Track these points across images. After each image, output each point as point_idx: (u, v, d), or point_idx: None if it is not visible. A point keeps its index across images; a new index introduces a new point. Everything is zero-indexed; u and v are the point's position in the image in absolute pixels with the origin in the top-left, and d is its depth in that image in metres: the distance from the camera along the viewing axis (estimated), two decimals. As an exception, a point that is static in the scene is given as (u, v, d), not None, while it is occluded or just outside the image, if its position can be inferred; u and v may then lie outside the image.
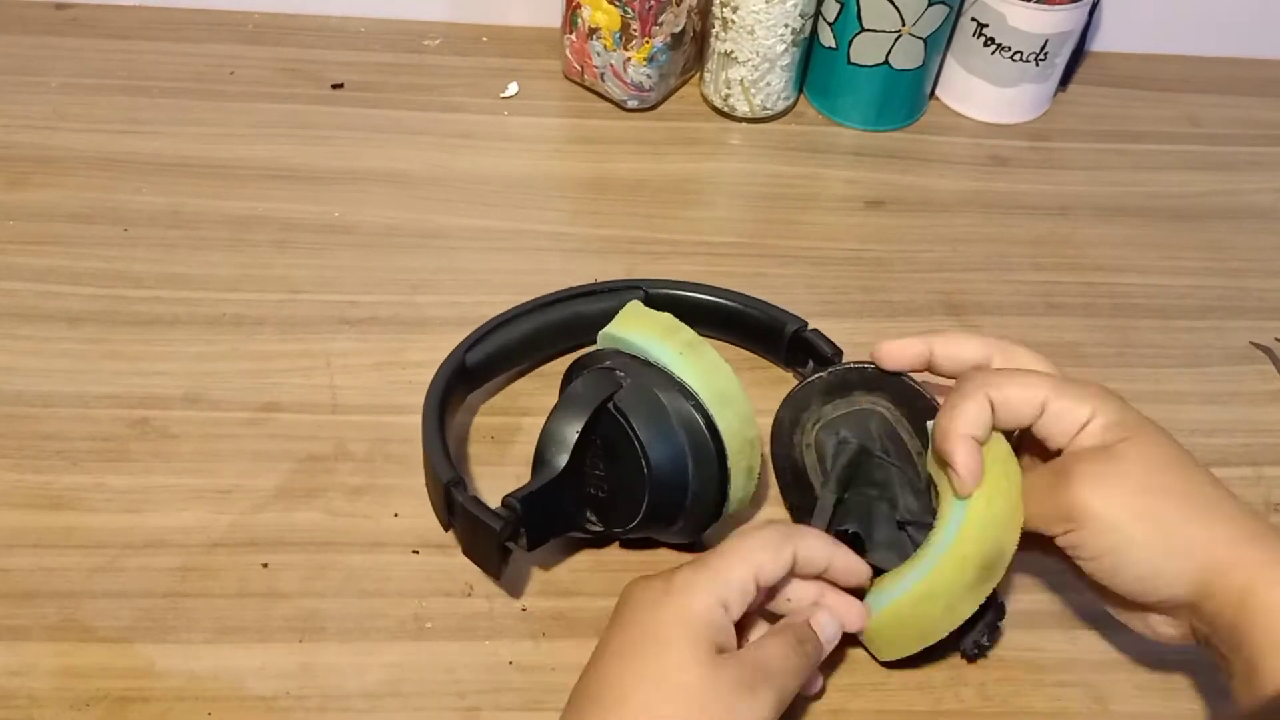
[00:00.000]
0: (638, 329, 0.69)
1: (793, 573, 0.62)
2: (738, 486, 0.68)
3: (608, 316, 0.72)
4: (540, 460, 0.66)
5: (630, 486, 0.67)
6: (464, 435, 0.79)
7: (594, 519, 0.70)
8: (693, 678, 0.56)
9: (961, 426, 0.62)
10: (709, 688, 0.56)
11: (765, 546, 0.61)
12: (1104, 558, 0.59)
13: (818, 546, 0.63)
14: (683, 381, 0.66)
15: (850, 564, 0.64)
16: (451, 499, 0.66)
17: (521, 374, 0.83)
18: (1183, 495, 0.59)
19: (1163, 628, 0.61)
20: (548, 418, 0.66)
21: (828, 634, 0.63)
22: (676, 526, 0.69)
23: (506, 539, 0.65)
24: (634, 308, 0.71)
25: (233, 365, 0.81)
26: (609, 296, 0.81)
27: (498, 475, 0.76)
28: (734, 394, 0.67)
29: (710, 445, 0.66)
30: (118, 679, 0.65)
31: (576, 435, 0.65)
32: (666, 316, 0.69)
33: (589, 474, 0.68)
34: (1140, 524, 0.58)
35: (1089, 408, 0.62)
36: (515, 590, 0.71)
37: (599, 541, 0.73)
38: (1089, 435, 0.61)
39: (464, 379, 0.76)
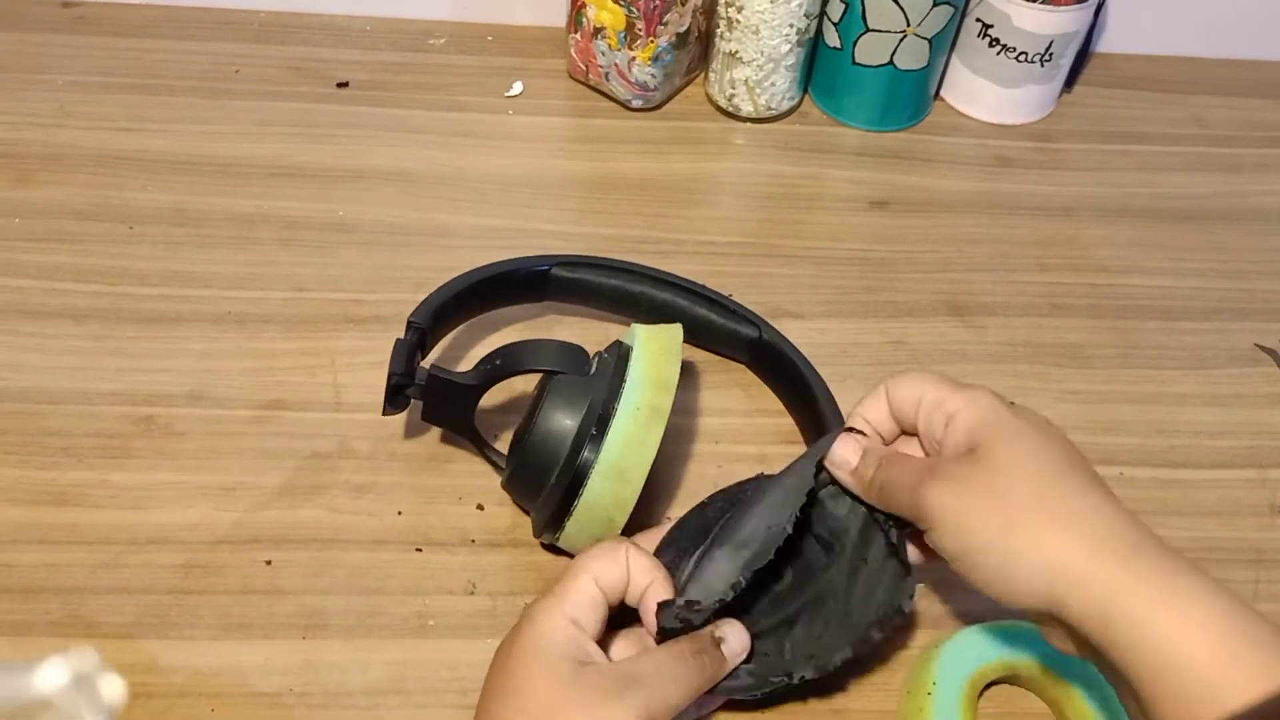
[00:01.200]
0: (648, 354, 0.69)
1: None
2: (590, 502, 0.67)
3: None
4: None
5: (519, 444, 0.69)
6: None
7: (498, 453, 0.75)
8: (553, 694, 0.56)
9: (857, 412, 0.66)
10: (569, 697, 0.56)
11: (600, 555, 0.61)
12: (958, 560, 0.57)
13: (641, 557, 0.62)
14: (613, 417, 0.66)
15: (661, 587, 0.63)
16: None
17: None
18: (1042, 502, 0.55)
19: (1054, 638, 0.58)
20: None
21: (732, 647, 0.61)
22: (536, 504, 0.69)
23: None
24: (669, 337, 0.70)
25: (237, 363, 0.82)
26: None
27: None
28: (637, 464, 0.66)
29: (580, 458, 0.66)
30: (121, 675, 0.65)
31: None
32: (674, 373, 0.68)
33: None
34: (989, 532, 0.56)
35: (957, 404, 0.61)
36: (517, 589, 0.71)
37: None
38: (956, 431, 0.60)
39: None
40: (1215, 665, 0.49)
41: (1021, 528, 0.55)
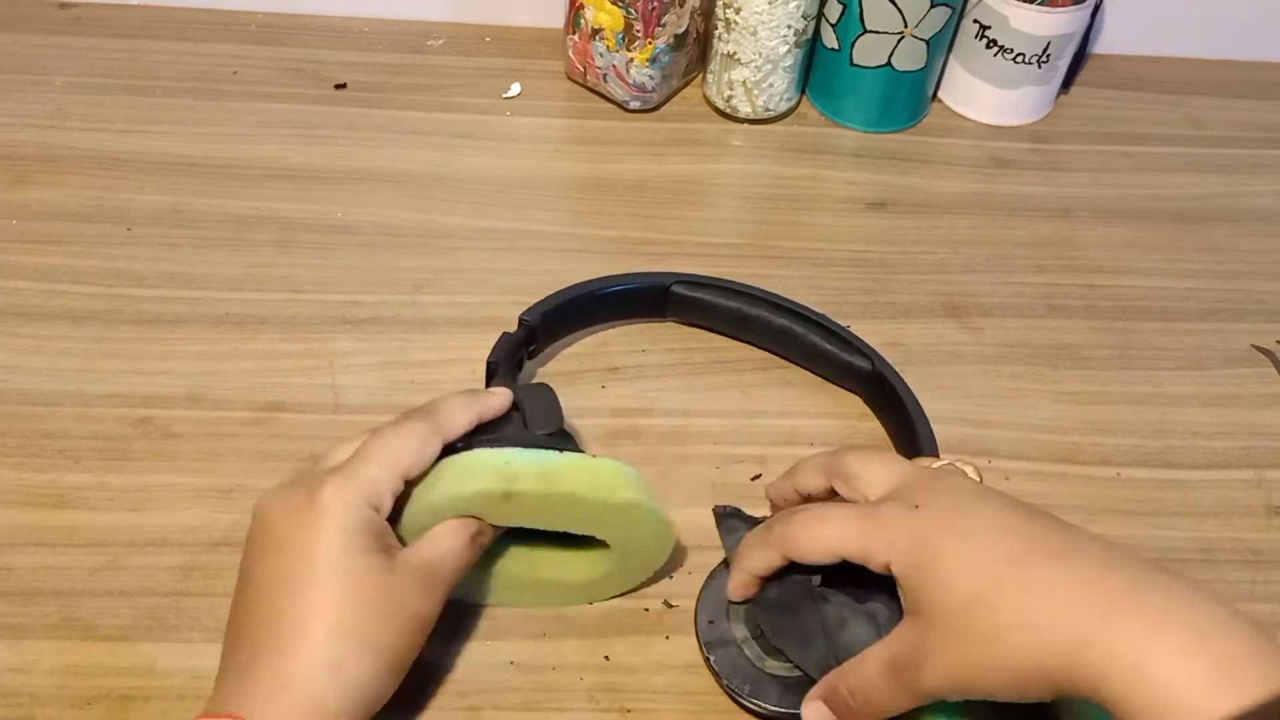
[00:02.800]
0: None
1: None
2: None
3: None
4: None
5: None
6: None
7: None
8: (370, 589, 0.57)
9: (747, 567, 0.64)
10: (389, 591, 0.57)
11: (407, 446, 0.61)
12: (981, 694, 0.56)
13: (457, 412, 0.63)
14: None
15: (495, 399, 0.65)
16: None
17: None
18: (1005, 632, 0.53)
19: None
20: None
21: None
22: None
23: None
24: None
25: (235, 365, 0.82)
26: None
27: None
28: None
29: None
30: (119, 678, 0.66)
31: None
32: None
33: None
34: (986, 676, 0.54)
35: (883, 556, 0.57)
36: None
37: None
38: (901, 580, 0.57)
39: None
40: (1199, 691, 0.49)
41: (1003, 650, 0.53)
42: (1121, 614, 0.51)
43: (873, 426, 0.82)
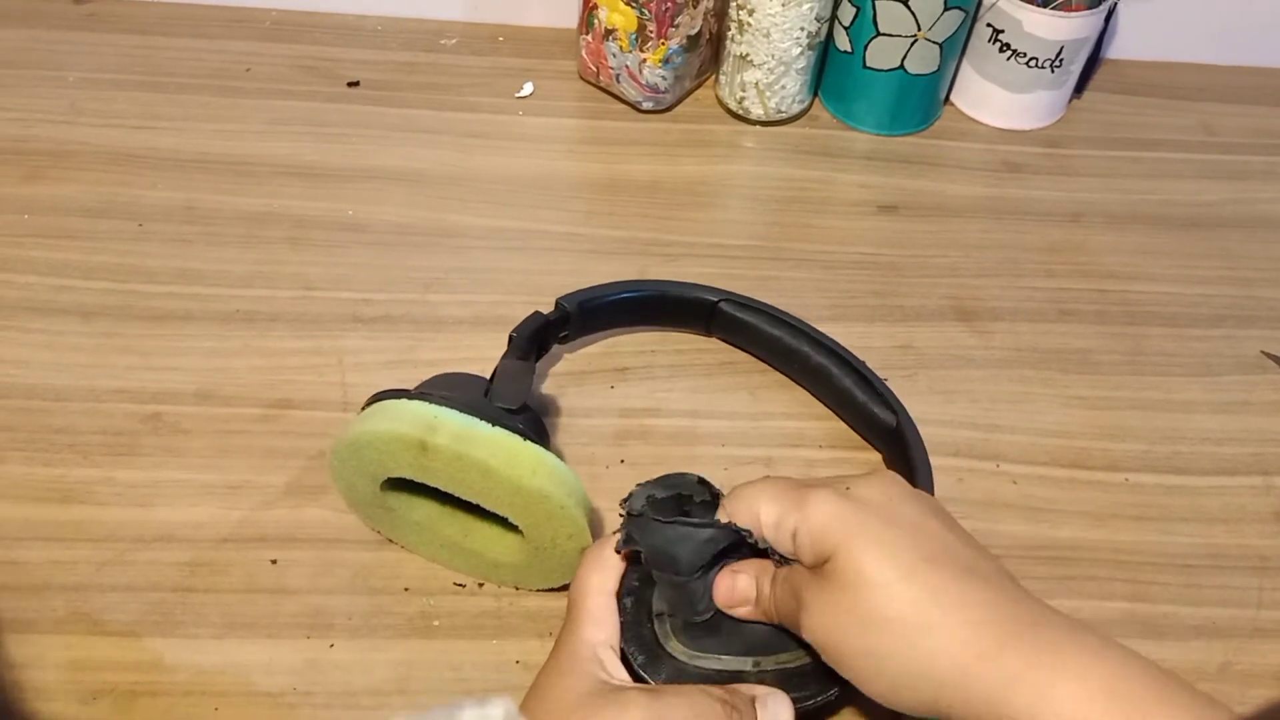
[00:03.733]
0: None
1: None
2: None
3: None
4: None
5: None
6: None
7: None
8: (581, 704, 0.56)
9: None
10: (592, 705, 0.56)
11: (593, 566, 0.63)
12: (846, 675, 0.57)
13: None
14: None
15: None
16: None
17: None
18: (897, 622, 0.54)
19: None
20: None
21: (770, 712, 0.59)
22: None
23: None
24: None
25: (245, 361, 0.82)
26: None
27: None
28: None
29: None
30: (125, 673, 0.66)
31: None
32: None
33: None
34: (861, 652, 0.55)
35: (793, 519, 0.58)
36: (523, 589, 0.71)
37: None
38: (803, 548, 0.58)
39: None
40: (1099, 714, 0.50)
41: (889, 640, 0.54)
42: (1024, 640, 0.52)
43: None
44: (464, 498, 0.65)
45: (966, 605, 0.53)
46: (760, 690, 0.60)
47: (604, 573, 0.63)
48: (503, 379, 0.69)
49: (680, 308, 0.85)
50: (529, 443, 0.64)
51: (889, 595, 0.54)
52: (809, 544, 0.57)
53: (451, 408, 0.64)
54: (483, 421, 0.64)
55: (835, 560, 0.56)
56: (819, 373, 0.83)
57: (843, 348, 0.83)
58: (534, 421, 0.69)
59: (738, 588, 0.62)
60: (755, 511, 0.60)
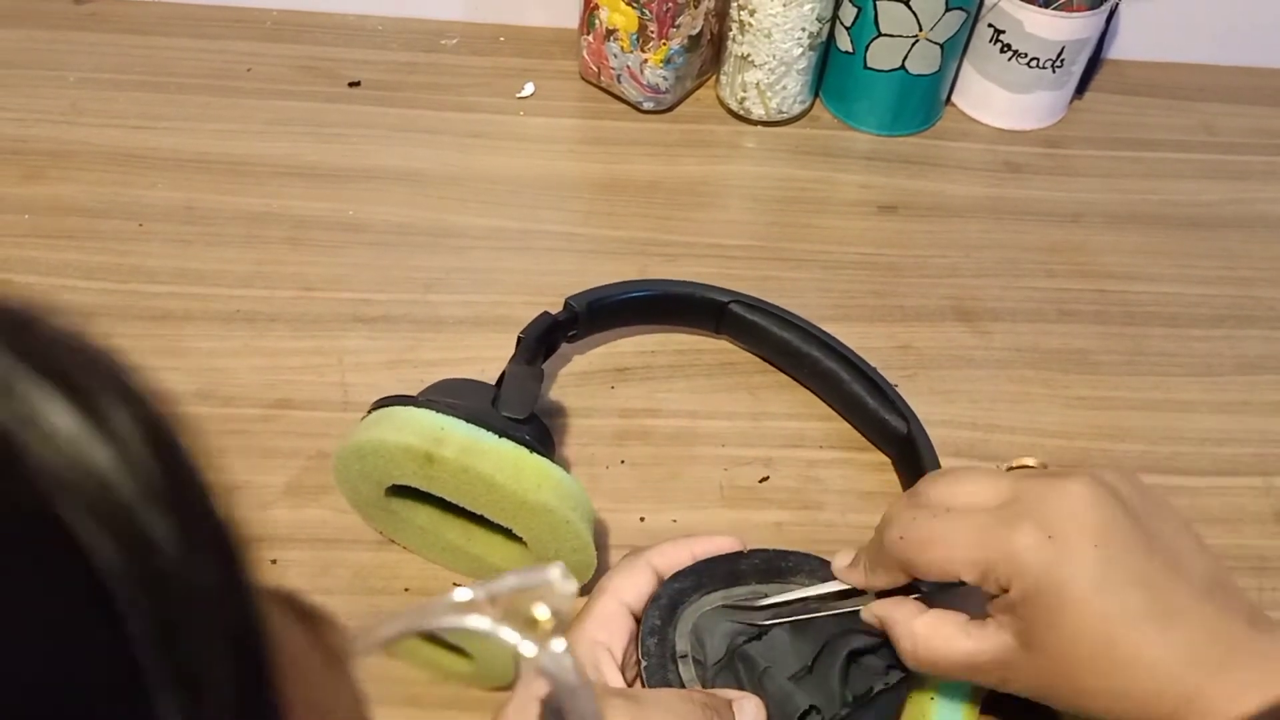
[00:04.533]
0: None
1: None
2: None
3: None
4: None
5: None
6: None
7: None
8: None
9: (869, 583, 0.63)
10: None
11: (620, 571, 0.64)
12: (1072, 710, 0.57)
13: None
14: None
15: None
16: None
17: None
18: (1126, 665, 0.53)
19: None
20: None
21: (747, 714, 0.59)
22: None
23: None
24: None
25: (245, 361, 0.82)
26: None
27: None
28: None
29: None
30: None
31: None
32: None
33: None
34: (1088, 699, 0.55)
35: (1005, 581, 0.55)
36: None
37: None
38: (1019, 605, 0.55)
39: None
40: None
41: (1119, 680, 0.53)
42: (1230, 667, 0.52)
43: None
44: (469, 508, 0.65)
45: (1170, 651, 0.53)
46: (734, 694, 0.60)
47: (630, 580, 0.63)
48: (511, 386, 0.68)
49: (690, 307, 0.85)
50: (535, 455, 0.64)
51: (1099, 671, 0.53)
52: (1016, 604, 0.55)
53: (458, 417, 0.64)
54: (489, 433, 0.64)
55: (1040, 632, 0.54)
56: (829, 377, 0.83)
57: (853, 352, 0.82)
58: (540, 431, 0.68)
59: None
60: (956, 573, 0.57)
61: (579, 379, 0.83)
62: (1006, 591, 0.55)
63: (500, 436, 0.64)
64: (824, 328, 0.83)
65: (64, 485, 0.21)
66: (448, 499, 0.65)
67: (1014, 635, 0.55)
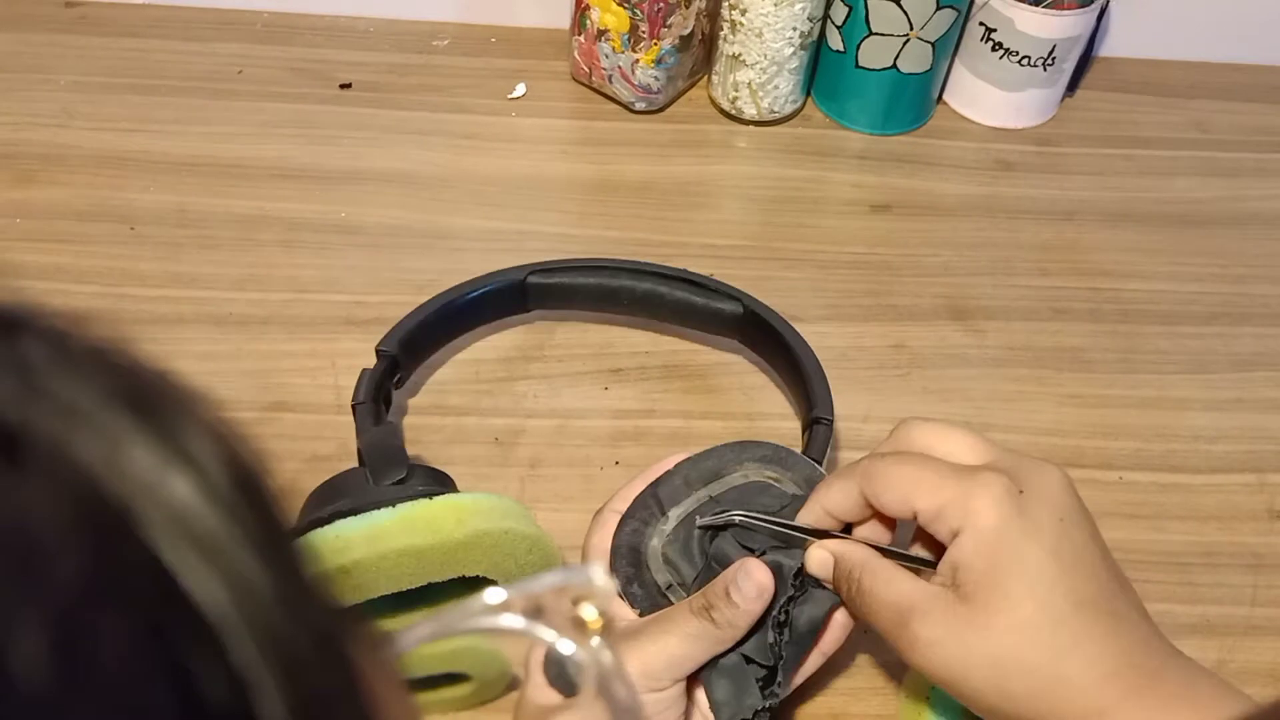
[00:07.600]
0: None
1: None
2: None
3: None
4: None
5: None
6: (467, 437, 0.79)
7: None
8: None
9: (819, 501, 0.60)
10: None
11: (595, 527, 0.65)
12: (964, 701, 0.56)
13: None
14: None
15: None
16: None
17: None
18: (1033, 670, 0.52)
19: None
20: None
21: (744, 592, 0.56)
22: None
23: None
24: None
25: (238, 365, 0.82)
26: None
27: (500, 476, 0.77)
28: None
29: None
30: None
31: None
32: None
33: None
34: (982, 696, 0.53)
35: (956, 517, 0.54)
36: None
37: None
38: (959, 550, 0.54)
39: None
40: None
41: (1018, 683, 0.52)
42: (1144, 694, 0.51)
43: (880, 429, 0.82)
44: (415, 586, 0.61)
45: (1104, 656, 0.52)
46: (728, 571, 0.57)
47: (607, 534, 0.63)
48: (375, 457, 0.65)
49: (495, 300, 0.82)
50: (437, 499, 0.61)
51: (1034, 642, 0.52)
52: (972, 549, 0.54)
53: (344, 517, 0.60)
54: (383, 509, 0.60)
55: (983, 592, 0.53)
56: (651, 298, 0.82)
57: (660, 265, 0.82)
58: (429, 475, 0.66)
59: (815, 566, 0.59)
60: (910, 504, 0.56)
61: (573, 380, 0.83)
62: (956, 537, 0.54)
63: (394, 506, 0.60)
64: (817, 327, 0.83)
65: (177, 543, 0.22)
66: (394, 591, 0.60)
67: (953, 589, 0.54)
